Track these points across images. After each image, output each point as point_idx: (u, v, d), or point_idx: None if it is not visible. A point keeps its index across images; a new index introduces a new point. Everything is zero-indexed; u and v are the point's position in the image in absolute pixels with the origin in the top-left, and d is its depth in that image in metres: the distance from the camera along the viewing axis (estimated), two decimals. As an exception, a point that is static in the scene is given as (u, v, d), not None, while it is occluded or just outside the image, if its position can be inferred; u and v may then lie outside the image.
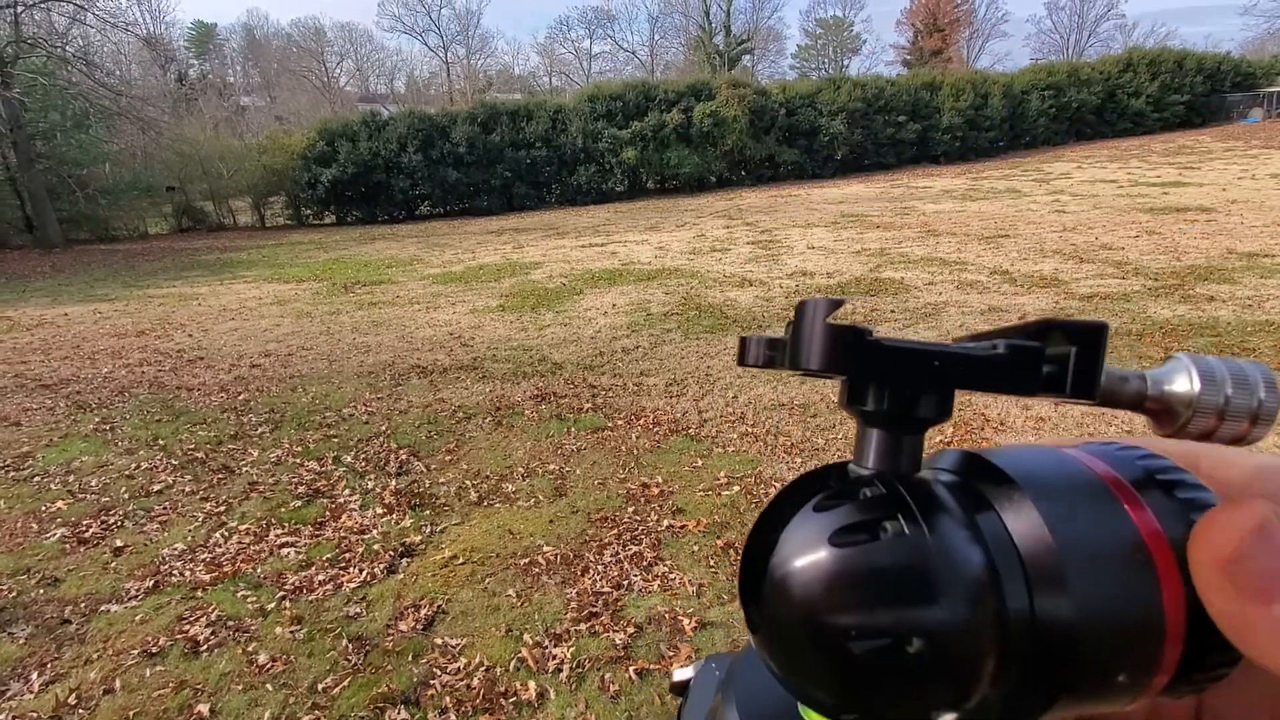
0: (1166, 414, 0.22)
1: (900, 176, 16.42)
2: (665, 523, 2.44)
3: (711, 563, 2.19)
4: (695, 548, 2.28)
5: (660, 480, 2.76)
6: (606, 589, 2.07)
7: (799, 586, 0.20)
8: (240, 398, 4.08)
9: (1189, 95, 20.21)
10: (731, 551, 2.24)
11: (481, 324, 5.60)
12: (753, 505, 2.52)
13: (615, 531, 2.39)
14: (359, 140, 16.04)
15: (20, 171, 13.84)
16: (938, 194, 12.52)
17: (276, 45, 37.55)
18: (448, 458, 3.10)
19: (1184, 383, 0.22)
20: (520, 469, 2.94)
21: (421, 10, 38.41)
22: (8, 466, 3.22)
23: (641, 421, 3.38)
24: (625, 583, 2.10)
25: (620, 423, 3.38)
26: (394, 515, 2.60)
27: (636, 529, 2.41)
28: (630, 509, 2.55)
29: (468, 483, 2.84)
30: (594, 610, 1.97)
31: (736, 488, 2.65)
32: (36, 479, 3.08)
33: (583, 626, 1.91)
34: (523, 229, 12.75)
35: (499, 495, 2.73)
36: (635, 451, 3.05)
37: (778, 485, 2.65)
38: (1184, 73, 20.19)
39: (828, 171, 18.02)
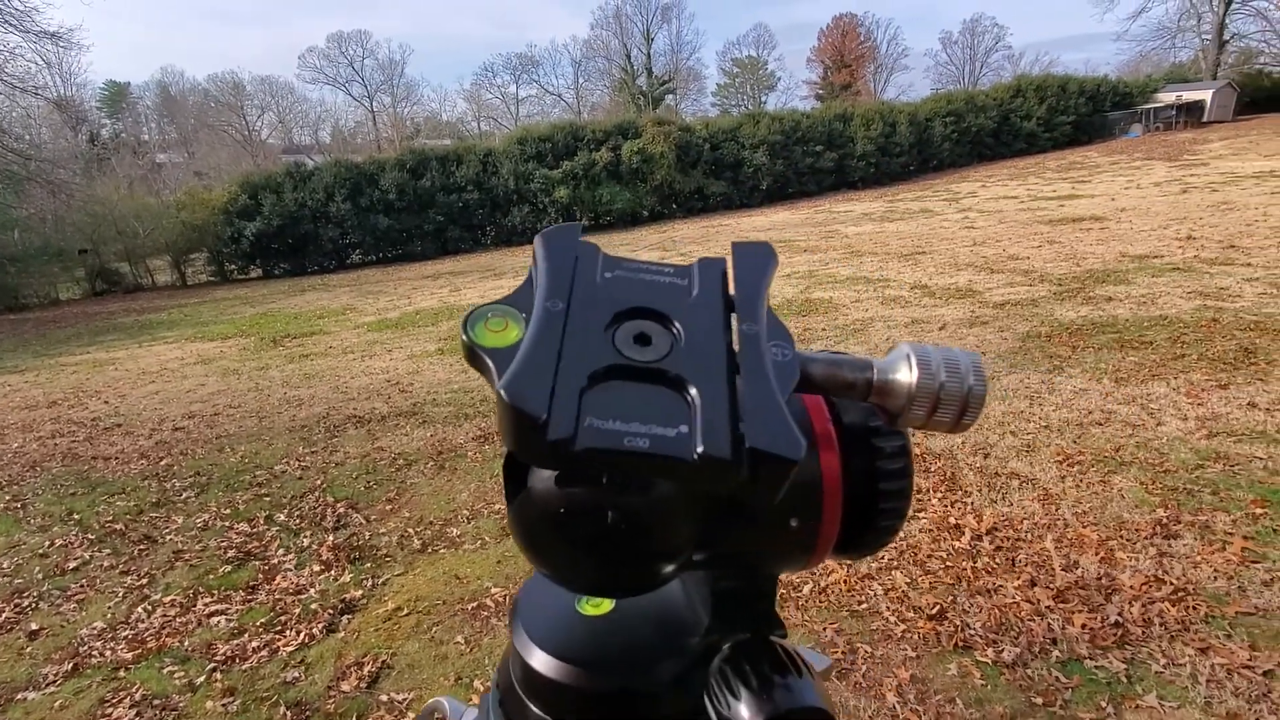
0: (892, 408, 0.26)
1: (822, 202, 17.17)
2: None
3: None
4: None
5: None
6: (558, 624, 2.04)
7: (541, 518, 0.25)
8: (163, 463, 3.86)
9: (1074, 116, 22.03)
10: (682, 574, 2.26)
11: (420, 369, 5.50)
12: (700, 526, 2.55)
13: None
14: (283, 192, 15.68)
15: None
16: (858, 217, 13.13)
17: (193, 101, 36.52)
18: (388, 507, 3.01)
19: (904, 373, 0.25)
20: (465, 511, 2.89)
21: (344, 61, 38.25)
22: (-104, 559, 2.94)
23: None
24: (577, 616, 2.08)
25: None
26: (332, 571, 2.50)
27: (586, 561, 2.39)
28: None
29: (410, 530, 2.77)
30: (546, 647, 1.94)
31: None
32: (-69, 569, 2.82)
33: (536, 664, 1.87)
34: (459, 272, 12.65)
35: (444, 540, 2.66)
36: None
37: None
38: (1068, 95, 22.03)
39: (754, 201, 18.67)
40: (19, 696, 1.95)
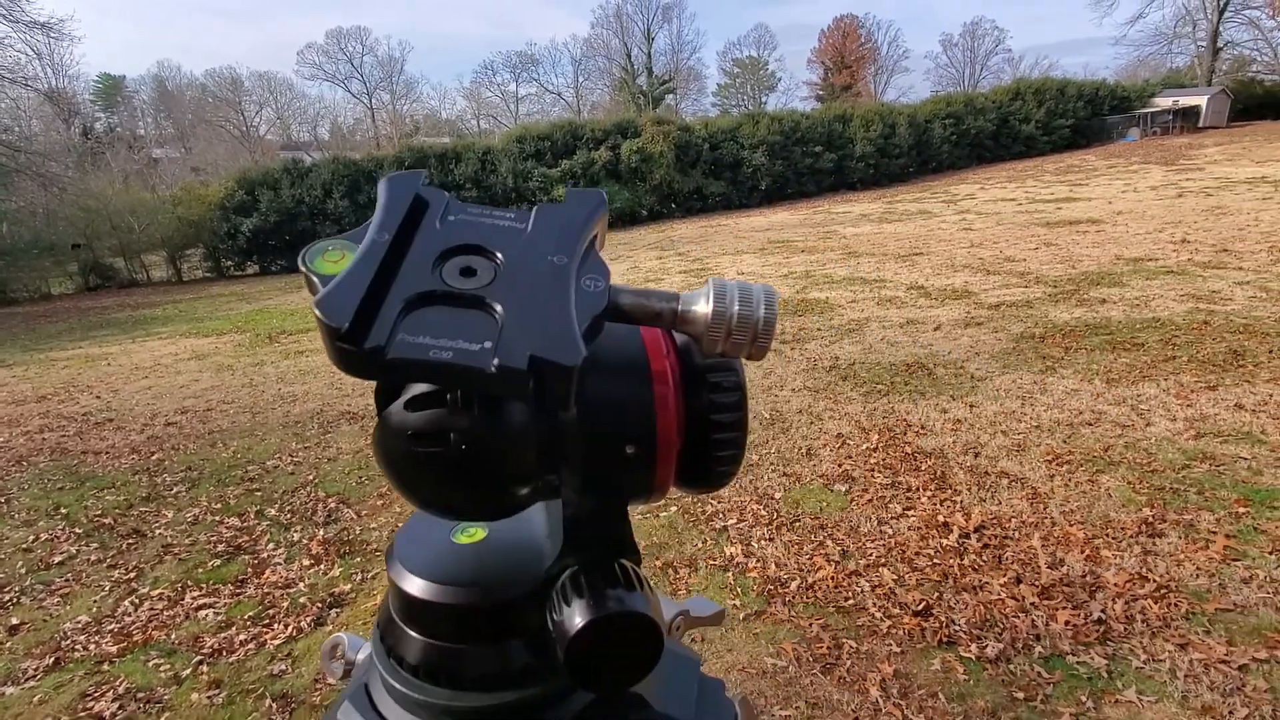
0: (694, 334, 0.29)
1: (821, 203, 17.19)
2: (604, 548, 2.43)
3: (651, 581, 2.19)
4: (634, 570, 2.28)
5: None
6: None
7: (396, 445, 0.28)
8: (154, 458, 3.85)
9: (1073, 119, 22.07)
10: (670, 570, 2.26)
11: (414, 366, 5.49)
12: (690, 523, 2.55)
13: (553, 561, 2.37)
14: (281, 188, 15.65)
15: (-99, 235, 12.85)
16: (856, 218, 13.15)
17: (190, 96, 36.40)
18: (380, 502, 3.01)
19: (703, 303, 0.28)
20: (455, 507, 2.88)
21: (343, 58, 38.17)
22: (-117, 551, 2.92)
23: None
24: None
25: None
26: (322, 566, 2.49)
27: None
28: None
29: (400, 524, 2.76)
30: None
31: (674, 508, 2.67)
32: (-83, 561, 2.81)
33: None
34: (456, 270, 12.63)
35: (433, 535, 2.66)
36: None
37: (715, 501, 2.70)
38: (1067, 99, 22.07)
39: (753, 201, 18.69)
40: None
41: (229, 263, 16.26)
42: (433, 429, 0.27)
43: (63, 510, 3.22)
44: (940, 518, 2.40)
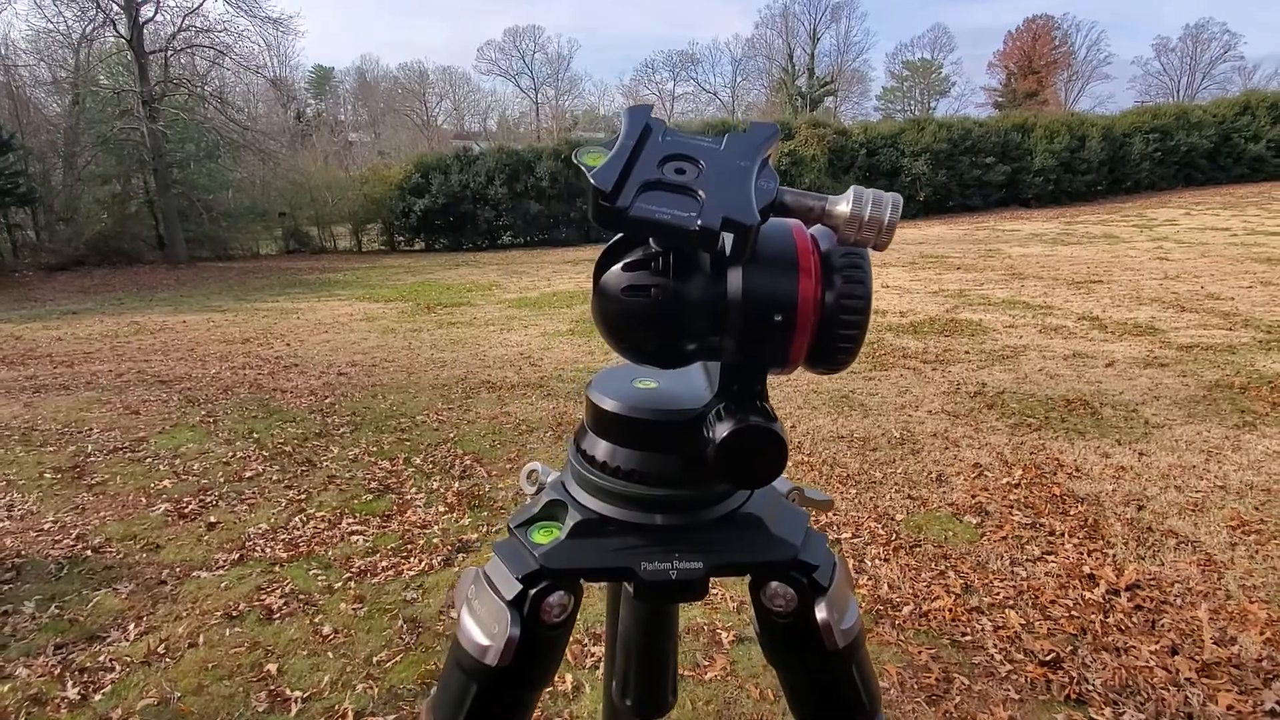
0: (834, 226, 0.37)
1: (986, 219, 15.90)
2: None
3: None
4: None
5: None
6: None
7: (609, 301, 0.39)
8: (326, 401, 4.39)
9: (1318, 140, 18.64)
10: (777, 573, 2.24)
11: (551, 346, 5.81)
12: (802, 529, 2.51)
13: (662, 545, 2.43)
14: (451, 173, 17.04)
15: (158, 195, 15.49)
16: (1026, 237, 12.04)
17: (384, 86, 40.58)
18: (508, 465, 3.23)
19: (844, 204, 0.36)
20: (576, 480, 3.03)
21: (516, 55, 40.72)
22: (126, 448, 3.59)
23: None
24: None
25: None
26: (455, 514, 2.73)
27: (683, 544, 2.44)
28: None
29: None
30: (634, 615, 2.01)
31: (787, 512, 2.64)
32: (148, 460, 3.42)
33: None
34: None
35: (554, 503, 2.82)
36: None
37: (831, 513, 2.62)
38: (1311, 117, 18.68)
39: (909, 212, 17.64)
40: (194, 574, 2.34)
41: (400, 238, 17.97)
42: (641, 283, 0.37)
43: (255, 435, 3.76)
44: (1086, 568, 2.18)
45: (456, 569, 2.33)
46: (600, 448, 0.45)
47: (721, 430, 0.38)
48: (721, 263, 0.38)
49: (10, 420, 4.06)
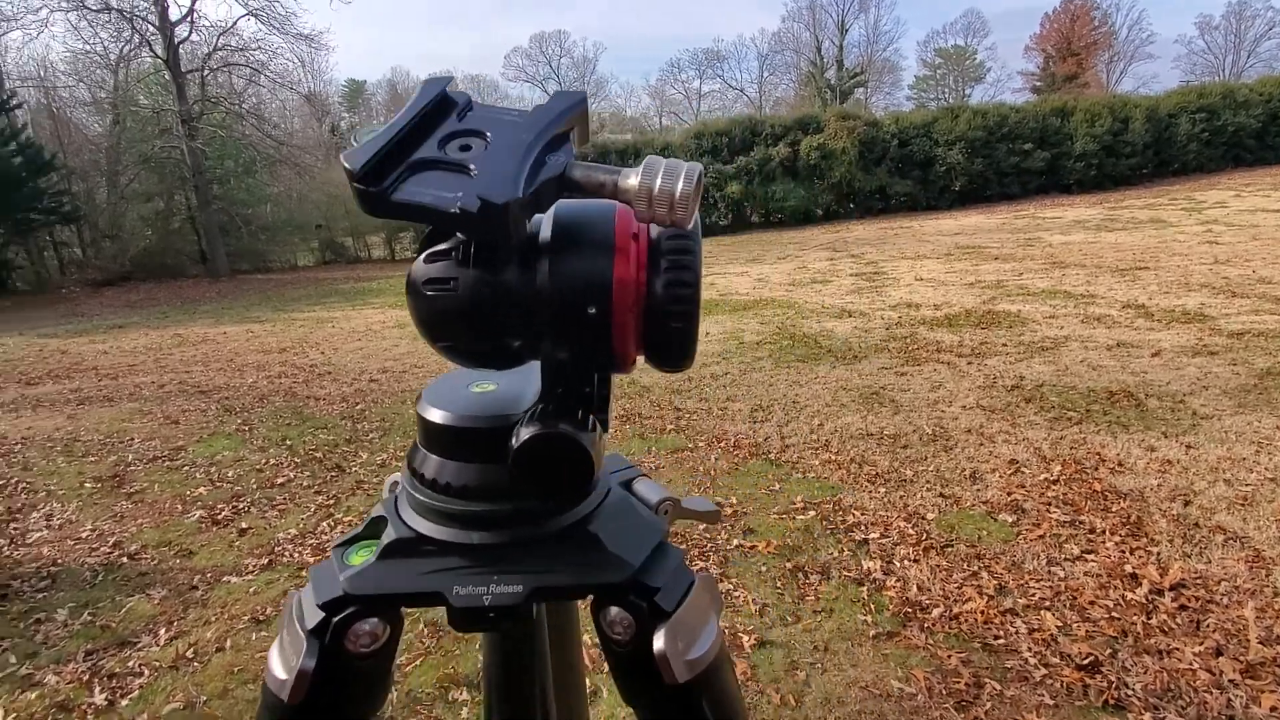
0: (628, 202, 0.33)
1: (1025, 207, 15.43)
2: (735, 542, 2.41)
3: (778, 584, 2.14)
4: (763, 568, 2.24)
5: (735, 501, 2.74)
6: (668, 600, 2.08)
7: (416, 297, 0.36)
8: (357, 407, 4.47)
9: (1378, 114, 17.61)
10: (800, 575, 2.19)
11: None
12: (828, 531, 2.45)
13: (684, 546, 2.40)
14: (480, 180, 17.26)
15: (199, 211, 16.06)
16: (1068, 224, 11.64)
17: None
18: (532, 468, 3.23)
19: (634, 177, 0.32)
20: (598, 482, 3.02)
21: (543, 60, 41.09)
22: (165, 457, 3.70)
23: (722, 444, 3.37)
24: (687, 596, 2.10)
25: (701, 444, 3.39)
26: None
27: (705, 546, 2.40)
28: (700, 526, 2.54)
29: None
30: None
31: (812, 513, 2.58)
32: (185, 468, 3.52)
33: (641, 633, 1.92)
34: (626, 261, 13.12)
35: (575, 505, 2.81)
36: (713, 472, 3.05)
37: (858, 512, 2.56)
38: (1372, 89, 17.66)
39: (944, 202, 17.26)
40: (224, 579, 2.39)
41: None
42: (440, 275, 0.35)
43: (288, 442, 3.85)
44: (1128, 568, 2.07)
45: (477, 572, 2.33)
46: (421, 459, 0.41)
47: (521, 434, 0.35)
48: (533, 250, 0.35)
49: (53, 432, 4.23)
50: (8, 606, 2.26)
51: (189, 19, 16.19)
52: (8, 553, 2.63)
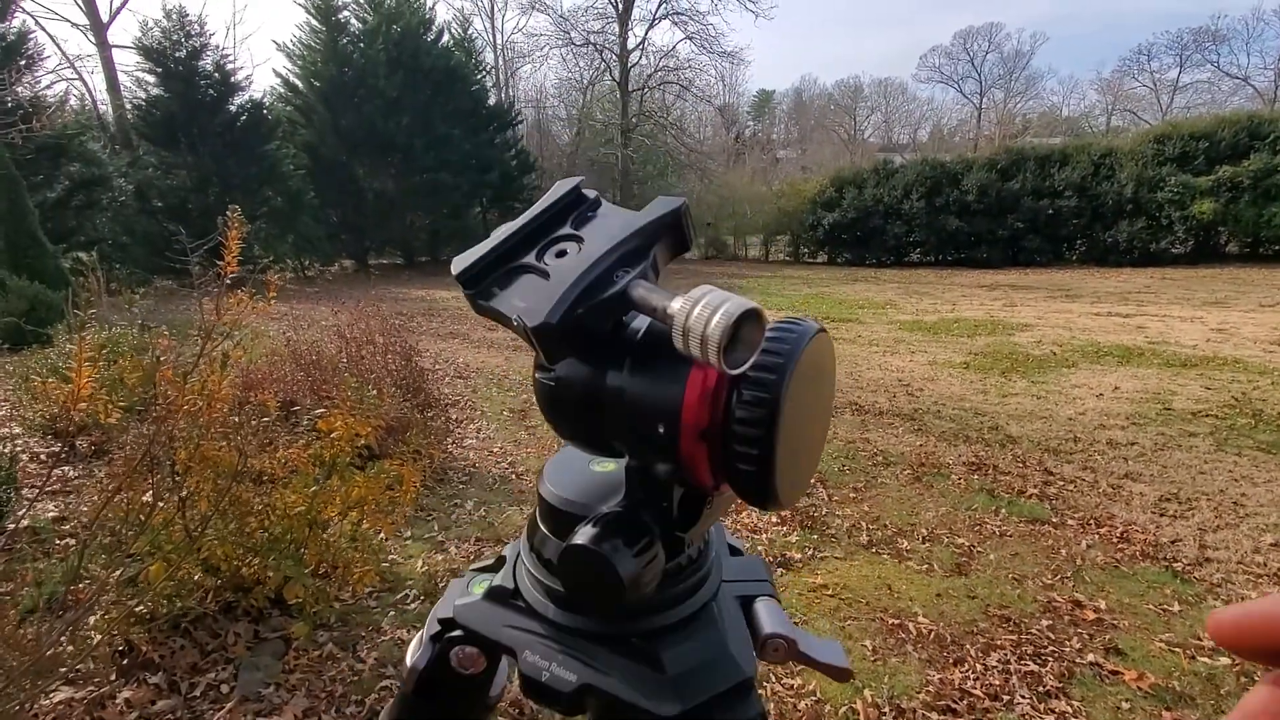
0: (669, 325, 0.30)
1: None
2: (1090, 657, 1.90)
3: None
4: (1124, 704, 1.71)
5: (1103, 606, 2.15)
6: (978, 693, 1.74)
7: (536, 378, 0.37)
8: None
9: None
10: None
11: (936, 377, 5.26)
12: (1244, 689, 1.74)
13: (1015, 638, 1.98)
14: (865, 187, 16.78)
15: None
16: None
17: (817, 104, 42.17)
18: (852, 494, 3.06)
19: (675, 303, 0.30)
20: (924, 530, 2.70)
21: (964, 59, 37.61)
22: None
23: (1102, 530, 2.68)
24: (1005, 697, 1.73)
25: (1071, 523, 2.75)
26: (786, 527, 2.72)
27: (1045, 647, 1.94)
28: (1045, 622, 2.07)
29: (863, 523, 2.75)
30: (953, 706, 1.69)
31: (1226, 660, 1.87)
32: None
33: (934, 716, 1.66)
34: (1022, 285, 11.33)
35: (890, 548, 2.56)
36: (1079, 561, 2.44)
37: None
38: None
39: None
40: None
41: (805, 250, 18.55)
42: (542, 361, 0.35)
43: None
44: None
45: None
46: (534, 519, 0.42)
47: (574, 537, 0.33)
48: (623, 348, 0.34)
49: (495, 368, 5.59)
50: (442, 489, 3.08)
51: (641, 46, 19.39)
52: (451, 450, 3.59)
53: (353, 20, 15.75)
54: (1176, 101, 32.79)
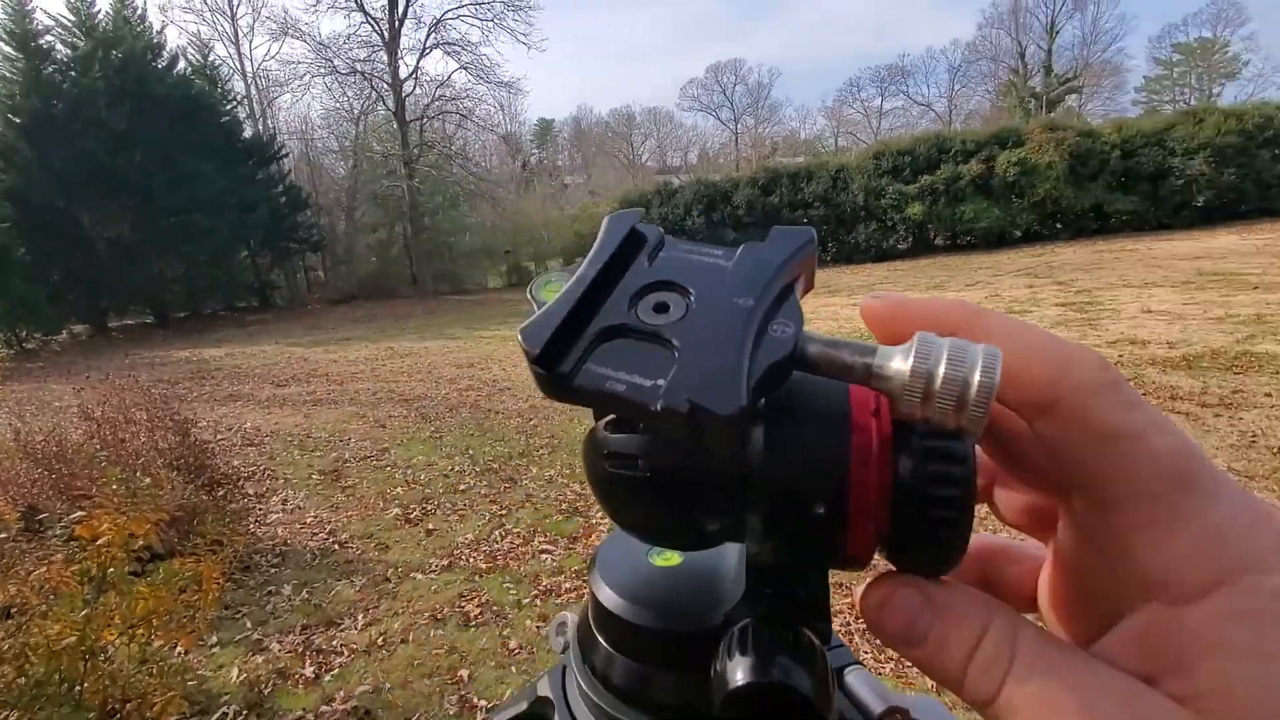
0: (886, 392, 0.24)
1: (1295, 225, 12.71)
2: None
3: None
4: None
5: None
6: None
7: (594, 465, 0.28)
8: (531, 423, 4.75)
9: None
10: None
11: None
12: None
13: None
14: (651, 207, 17.91)
15: (412, 240, 18.40)
16: (1359, 245, 9.38)
17: (596, 131, 44.16)
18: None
19: (900, 358, 0.23)
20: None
21: (717, 89, 41.85)
22: (373, 457, 4.20)
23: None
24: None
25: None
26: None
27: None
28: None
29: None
30: None
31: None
32: (388, 468, 3.96)
33: None
34: (795, 286, 12.80)
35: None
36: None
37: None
38: None
39: (1180, 221, 14.76)
40: (412, 575, 2.62)
41: (607, 269, 19.27)
42: (625, 451, 0.27)
43: (470, 451, 4.18)
44: None
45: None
46: (592, 642, 0.34)
47: (734, 675, 0.27)
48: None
49: (293, 428, 4.99)
50: (249, 578, 2.66)
51: (414, 76, 18.79)
52: (254, 530, 3.12)
53: (59, 46, 13.24)
54: (884, 125, 39.54)
